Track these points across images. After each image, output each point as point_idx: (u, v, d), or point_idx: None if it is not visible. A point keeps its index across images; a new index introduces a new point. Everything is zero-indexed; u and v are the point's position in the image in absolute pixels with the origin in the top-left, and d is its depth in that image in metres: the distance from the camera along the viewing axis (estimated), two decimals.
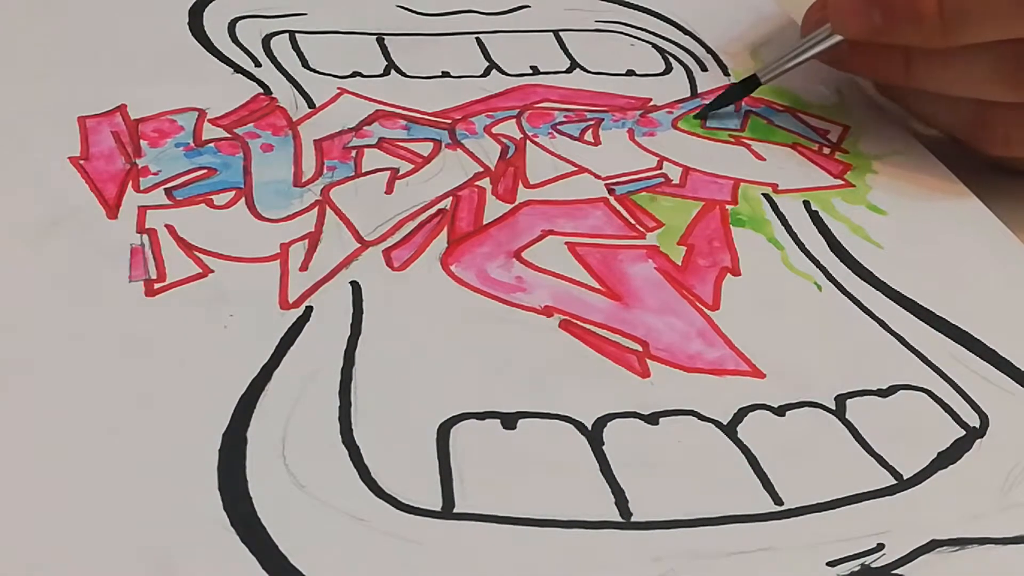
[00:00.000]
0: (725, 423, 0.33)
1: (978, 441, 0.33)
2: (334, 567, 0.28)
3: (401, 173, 0.40)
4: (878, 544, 0.30)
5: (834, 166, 0.43)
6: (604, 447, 0.31)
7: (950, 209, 0.41)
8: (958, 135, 0.44)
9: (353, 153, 0.41)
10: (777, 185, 0.42)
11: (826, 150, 0.45)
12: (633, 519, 0.30)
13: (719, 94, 0.45)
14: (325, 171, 0.40)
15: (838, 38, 0.42)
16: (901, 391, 0.34)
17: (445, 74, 0.46)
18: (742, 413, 0.33)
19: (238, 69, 0.45)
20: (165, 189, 0.38)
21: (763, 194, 0.42)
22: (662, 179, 0.42)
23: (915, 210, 0.41)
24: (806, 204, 0.41)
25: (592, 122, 0.44)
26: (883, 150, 0.45)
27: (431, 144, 0.42)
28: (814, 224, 0.40)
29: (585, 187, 0.41)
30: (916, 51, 0.40)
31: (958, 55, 0.39)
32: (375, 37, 0.48)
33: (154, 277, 0.35)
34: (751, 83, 0.45)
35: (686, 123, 0.45)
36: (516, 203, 0.40)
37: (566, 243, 0.38)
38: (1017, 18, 0.38)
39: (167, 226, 0.37)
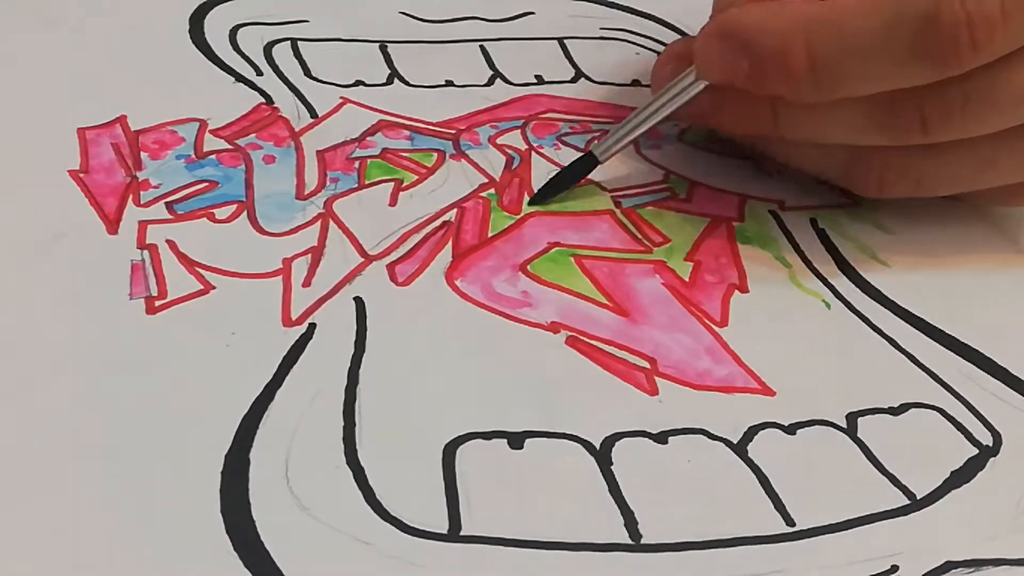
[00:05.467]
0: (735, 442, 0.32)
1: (991, 460, 0.33)
2: None
3: (405, 184, 0.40)
4: (892, 566, 0.29)
5: None
6: (613, 467, 0.31)
7: (957, 228, 0.41)
8: (831, 179, 0.41)
9: (356, 164, 0.40)
10: (784, 202, 0.41)
11: None
12: (643, 541, 0.29)
13: (551, 178, 0.40)
14: (328, 183, 0.39)
15: (699, 88, 0.38)
16: (913, 409, 0.34)
17: (449, 83, 0.46)
18: (752, 432, 0.33)
19: (239, 78, 0.44)
20: (166, 203, 0.38)
21: (770, 211, 0.41)
22: (668, 193, 0.41)
23: (922, 229, 0.41)
24: (813, 222, 0.41)
25: (598, 133, 0.44)
26: None
27: (435, 155, 0.41)
28: (821, 242, 0.40)
29: (591, 199, 0.40)
30: (783, 100, 0.37)
31: (829, 105, 0.37)
32: (378, 44, 0.47)
33: (155, 294, 0.34)
34: (589, 162, 0.40)
35: (692, 135, 0.44)
36: (521, 215, 0.39)
37: (573, 256, 0.38)
38: (891, 75, 0.35)
39: (168, 241, 0.36)
